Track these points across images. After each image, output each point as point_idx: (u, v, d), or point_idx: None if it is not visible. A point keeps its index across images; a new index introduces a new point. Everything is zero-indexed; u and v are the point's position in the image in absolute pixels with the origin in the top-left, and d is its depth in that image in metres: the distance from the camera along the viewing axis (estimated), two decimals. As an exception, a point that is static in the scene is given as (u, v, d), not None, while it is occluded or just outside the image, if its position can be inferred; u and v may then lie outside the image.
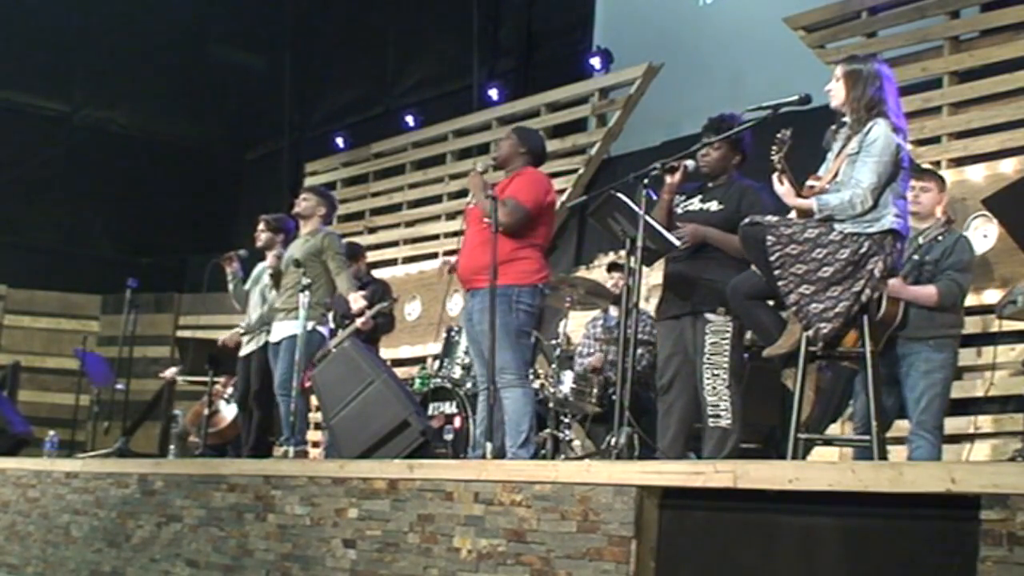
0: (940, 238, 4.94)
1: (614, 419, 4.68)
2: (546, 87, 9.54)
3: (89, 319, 12.07)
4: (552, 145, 9.15)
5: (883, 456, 4.16)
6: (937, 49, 6.87)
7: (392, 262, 10.26)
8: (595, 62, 9.20)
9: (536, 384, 6.84)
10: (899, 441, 5.06)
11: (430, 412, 6.96)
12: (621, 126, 8.91)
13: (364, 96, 12.28)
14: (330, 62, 12.67)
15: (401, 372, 8.07)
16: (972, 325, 6.26)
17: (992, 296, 6.04)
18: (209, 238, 8.48)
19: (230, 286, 7.59)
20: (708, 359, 4.87)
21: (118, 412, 9.12)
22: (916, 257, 4.87)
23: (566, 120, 9.33)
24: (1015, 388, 5.80)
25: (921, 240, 4.91)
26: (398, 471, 4.86)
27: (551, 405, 6.49)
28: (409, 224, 10.34)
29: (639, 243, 4.71)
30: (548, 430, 6.43)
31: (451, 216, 9.91)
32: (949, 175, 6.57)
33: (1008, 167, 6.31)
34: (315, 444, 8.79)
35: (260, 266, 7.39)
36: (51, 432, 8.71)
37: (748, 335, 5.19)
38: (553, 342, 6.75)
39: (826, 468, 3.50)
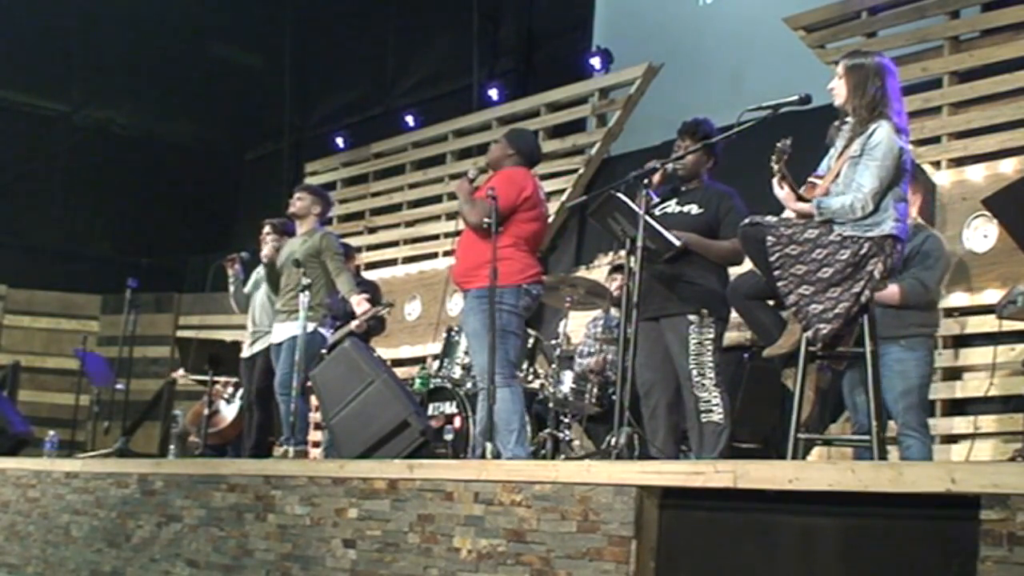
0: (910, 237, 4.94)
1: (614, 419, 4.69)
2: (546, 87, 9.53)
3: (89, 319, 12.06)
4: (552, 145, 9.16)
5: (883, 456, 4.16)
6: (937, 49, 6.87)
7: (392, 262, 10.26)
8: (595, 62, 9.19)
9: (536, 384, 6.85)
10: (892, 441, 5.05)
11: (430, 412, 6.96)
12: (621, 126, 8.90)
13: (364, 96, 12.28)
14: (330, 62, 12.67)
15: (401, 372, 8.07)
16: (972, 325, 6.28)
17: (992, 296, 6.04)
18: (209, 238, 8.47)
19: (231, 287, 7.59)
20: (694, 359, 4.90)
21: (118, 412, 9.12)
22: None
23: (566, 120, 9.32)
24: (1015, 388, 5.80)
25: None
26: (398, 471, 4.86)
27: (551, 405, 6.49)
28: (409, 224, 10.34)
29: (639, 243, 4.72)
30: (548, 430, 6.43)
31: (451, 216, 9.90)
32: (949, 175, 6.59)
33: (1008, 167, 6.31)
34: (315, 444, 8.79)
35: (261, 271, 7.36)
36: (51, 432, 8.71)
37: (748, 335, 5.20)
38: (553, 342, 6.75)
39: (826, 468, 3.50)
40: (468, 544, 4.38)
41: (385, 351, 8.83)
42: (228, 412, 8.32)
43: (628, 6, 9.62)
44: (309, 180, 11.00)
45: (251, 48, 13.08)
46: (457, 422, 6.84)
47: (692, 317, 4.92)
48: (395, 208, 10.54)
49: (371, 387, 5.64)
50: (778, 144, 4.24)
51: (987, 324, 5.98)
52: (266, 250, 7.01)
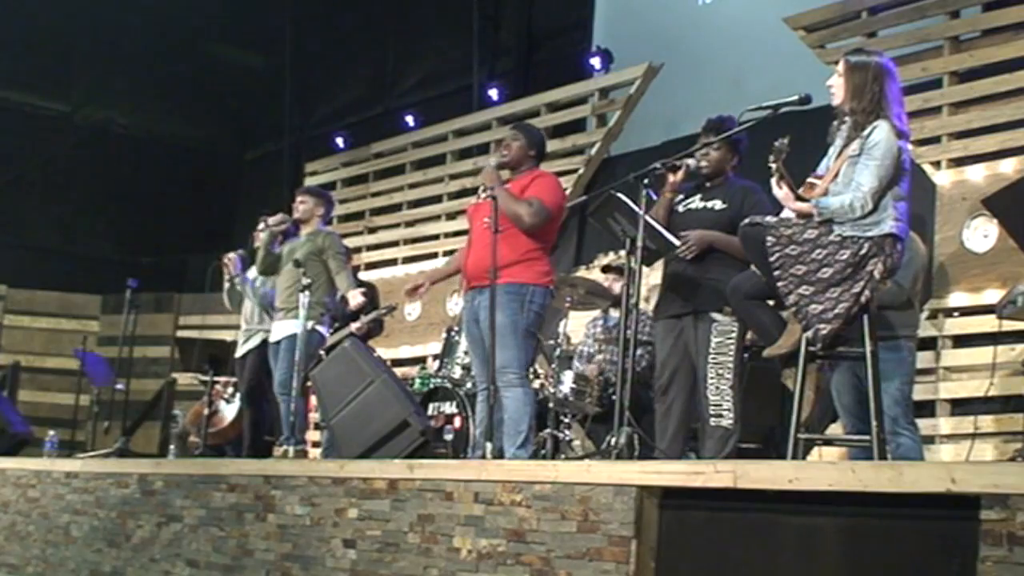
0: None
1: (614, 419, 4.68)
2: (546, 87, 9.53)
3: (89, 319, 12.06)
4: (552, 145, 9.14)
5: (883, 456, 4.16)
6: (937, 49, 6.87)
7: (392, 262, 10.26)
8: (595, 62, 9.19)
9: (536, 384, 6.85)
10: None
11: (430, 412, 6.96)
12: (621, 126, 8.90)
13: (364, 96, 12.27)
14: (330, 62, 12.66)
15: (401, 372, 8.07)
16: (972, 325, 6.28)
17: (992, 296, 6.04)
18: (209, 238, 8.47)
19: (225, 285, 7.59)
20: (713, 359, 4.87)
21: (118, 412, 9.12)
22: None
23: (566, 120, 9.32)
24: (1015, 388, 5.80)
25: None
26: (398, 471, 4.86)
27: (551, 405, 6.49)
28: (409, 224, 10.33)
29: (639, 243, 4.72)
30: (548, 430, 6.43)
31: (451, 216, 9.91)
32: (949, 175, 6.59)
33: (1008, 167, 6.30)
34: (315, 444, 8.79)
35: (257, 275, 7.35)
36: (51, 432, 8.70)
37: (748, 335, 5.19)
38: (553, 342, 6.75)
39: (826, 468, 3.50)
40: (468, 544, 4.38)
41: (385, 351, 8.83)
42: (228, 412, 8.32)
43: (628, 6, 9.62)
44: (309, 180, 11.01)
45: (251, 48, 13.07)
46: (457, 422, 6.84)
47: (716, 316, 4.89)
48: (395, 208, 10.54)
49: (371, 387, 5.65)
50: (776, 143, 4.24)
51: (987, 324, 5.97)
52: (272, 220, 6.87)
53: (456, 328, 7.41)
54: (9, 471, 7.68)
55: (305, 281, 6.33)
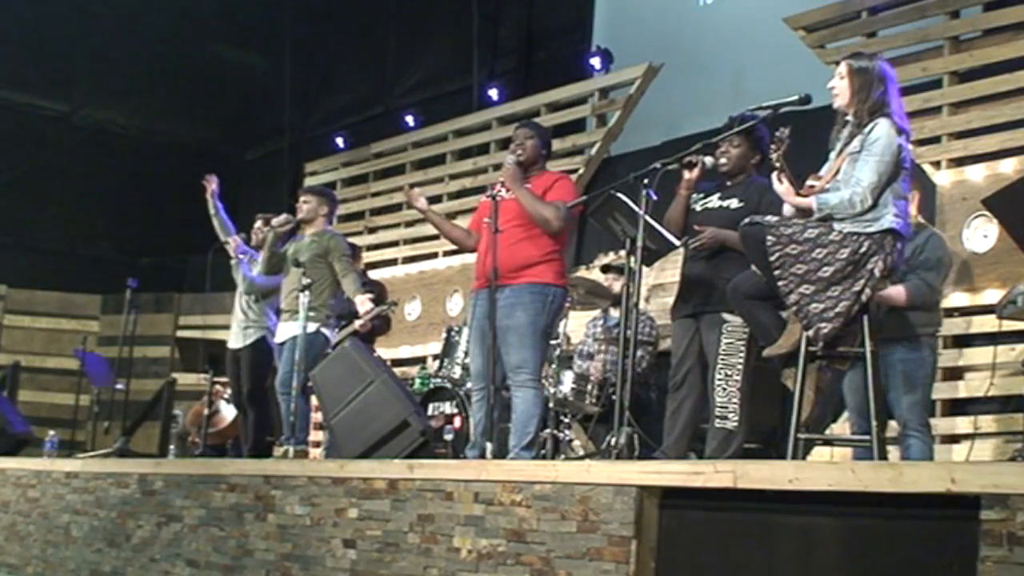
0: (912, 236, 4.95)
1: (614, 419, 4.68)
2: (546, 87, 9.53)
3: (89, 319, 12.07)
4: (552, 145, 9.15)
5: (883, 456, 4.16)
6: (937, 49, 6.87)
7: (392, 262, 10.26)
8: (595, 62, 9.19)
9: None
10: (894, 441, 5.05)
11: (430, 412, 6.96)
12: (621, 126, 8.90)
13: (364, 96, 12.28)
14: (330, 62, 12.67)
15: (401, 372, 8.07)
16: (972, 325, 6.28)
17: (992, 296, 6.04)
18: (209, 238, 8.46)
19: (232, 262, 7.62)
20: (722, 360, 4.86)
21: (118, 412, 9.12)
22: None
23: (566, 120, 9.32)
24: (1015, 388, 5.80)
25: None
26: (398, 471, 4.86)
27: (551, 405, 6.49)
28: (409, 224, 10.33)
29: (639, 243, 4.71)
30: (548, 430, 6.43)
31: (451, 216, 9.89)
32: (949, 175, 6.59)
33: (1008, 167, 6.30)
34: (315, 444, 8.79)
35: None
36: (51, 432, 8.70)
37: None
38: (553, 342, 6.75)
39: (826, 468, 3.50)
40: (468, 544, 4.38)
41: (385, 351, 8.83)
42: (228, 412, 8.32)
43: (628, 6, 9.62)
44: (309, 180, 11.01)
45: (251, 48, 13.08)
46: (457, 422, 6.84)
47: (727, 316, 4.88)
48: (395, 208, 10.53)
49: (371, 387, 5.64)
50: (776, 133, 4.24)
51: (987, 324, 5.98)
52: (276, 221, 6.89)
53: (456, 328, 7.41)
54: (9, 471, 7.68)
55: (305, 282, 6.31)
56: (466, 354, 6.92)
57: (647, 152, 7.96)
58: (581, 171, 8.97)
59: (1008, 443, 5.86)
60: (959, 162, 6.60)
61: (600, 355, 6.79)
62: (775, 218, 4.34)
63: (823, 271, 4.16)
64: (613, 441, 4.61)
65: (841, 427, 5.92)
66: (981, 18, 6.74)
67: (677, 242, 4.85)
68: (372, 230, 10.65)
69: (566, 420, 6.68)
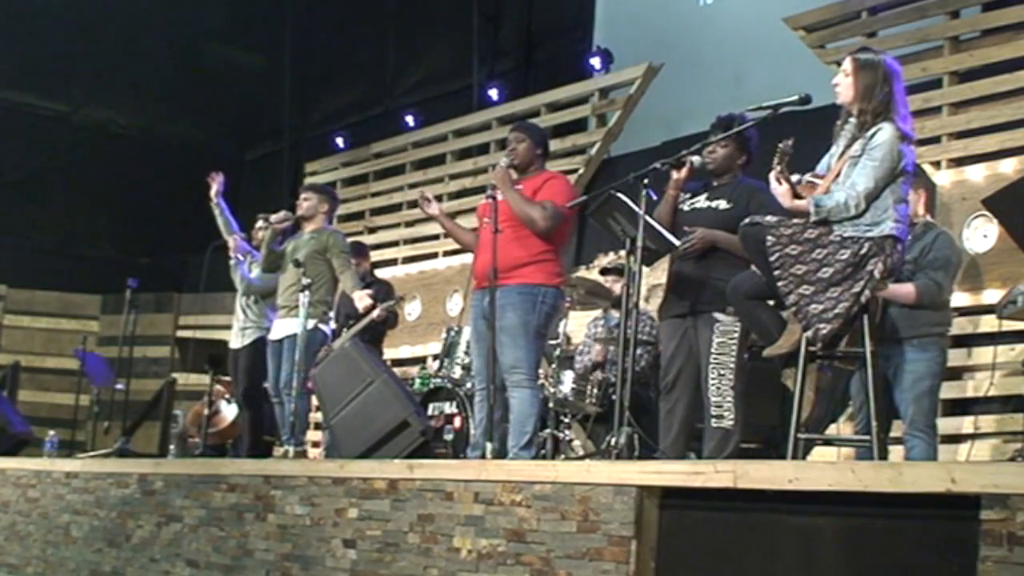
0: (920, 235, 4.95)
1: (614, 419, 4.68)
2: (546, 87, 9.53)
3: (89, 319, 12.07)
4: (552, 145, 9.09)
5: (883, 456, 4.16)
6: (937, 49, 6.87)
7: (392, 262, 10.25)
8: (595, 62, 9.19)
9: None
10: (899, 441, 5.05)
11: (430, 412, 6.96)
12: (621, 126, 8.90)
13: (364, 96, 12.28)
14: (330, 62, 12.67)
15: (401, 372, 8.07)
16: (972, 325, 6.28)
17: (992, 296, 6.04)
18: (209, 238, 8.46)
19: (231, 261, 7.63)
20: (714, 359, 4.87)
21: (118, 412, 9.12)
22: None
23: (566, 120, 9.32)
24: (1015, 388, 5.80)
25: None
26: (398, 471, 4.86)
27: (551, 405, 6.49)
28: (409, 224, 10.33)
29: (639, 243, 4.71)
30: (548, 430, 6.43)
31: (451, 216, 9.90)
32: (949, 175, 6.59)
33: (1008, 167, 6.30)
34: (315, 444, 8.79)
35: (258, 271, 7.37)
36: (51, 432, 8.71)
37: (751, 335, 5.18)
38: (553, 342, 6.75)
39: (826, 468, 3.50)
40: (468, 544, 4.38)
41: (385, 351, 8.83)
42: (228, 412, 8.32)
43: (628, 6, 9.62)
44: (309, 180, 11.00)
45: (251, 48, 13.07)
46: (457, 422, 6.84)
47: (718, 315, 4.88)
48: (395, 208, 10.54)
49: (371, 387, 5.64)
50: (780, 145, 4.23)
51: (987, 324, 5.98)
52: (275, 217, 6.89)
53: (456, 328, 7.41)
54: (9, 471, 7.68)
55: (305, 281, 6.31)
56: (466, 354, 6.93)
57: (647, 152, 7.95)
58: (581, 171, 8.97)
59: (1008, 443, 5.86)
60: (959, 162, 6.60)
61: (601, 347, 6.78)
62: (775, 218, 4.34)
63: (823, 272, 4.16)
64: (613, 441, 4.61)
65: (839, 428, 5.92)
66: (981, 18, 6.74)
67: (677, 242, 4.85)
68: (372, 230, 10.65)
69: (566, 420, 6.68)
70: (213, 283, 9.31)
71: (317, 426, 8.48)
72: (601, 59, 9.17)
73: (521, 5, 10.92)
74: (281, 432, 6.71)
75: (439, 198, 10.02)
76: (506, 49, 10.99)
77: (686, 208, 5.09)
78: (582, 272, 8.34)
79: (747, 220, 4.39)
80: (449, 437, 6.72)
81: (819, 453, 5.99)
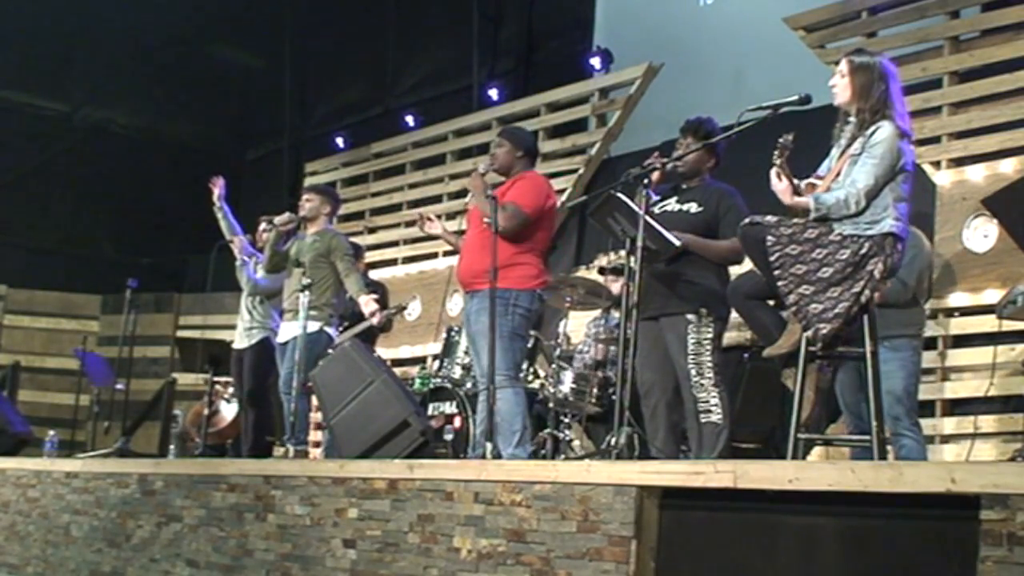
0: None
1: (614, 419, 4.68)
2: (546, 87, 9.53)
3: (89, 319, 12.07)
4: (552, 145, 9.16)
5: (883, 456, 4.16)
6: (937, 49, 6.87)
7: (392, 262, 10.25)
8: (595, 62, 9.19)
9: (536, 384, 6.85)
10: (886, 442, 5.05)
11: (430, 412, 6.96)
12: (621, 126, 8.90)
13: (364, 96, 12.27)
14: (330, 62, 12.66)
15: (401, 372, 8.06)
16: (972, 325, 6.28)
17: (992, 296, 6.04)
18: (209, 238, 8.46)
19: (237, 263, 7.64)
20: (692, 359, 4.88)
21: (118, 412, 9.12)
22: None
23: (566, 120, 9.32)
24: (1015, 388, 5.80)
25: None
26: (398, 471, 4.86)
27: (551, 405, 6.49)
28: (409, 224, 10.31)
29: (639, 243, 4.72)
30: (548, 430, 6.43)
31: (451, 216, 9.89)
32: (949, 175, 6.59)
33: (1008, 167, 6.31)
34: (315, 444, 8.79)
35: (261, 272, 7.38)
36: (51, 432, 8.71)
37: (748, 335, 5.19)
38: (553, 342, 6.75)
39: (826, 468, 3.50)
40: (468, 544, 4.38)
41: (385, 351, 8.83)
42: (228, 412, 8.32)
43: (628, 6, 9.62)
44: (309, 180, 11.01)
45: (251, 49, 13.07)
46: (457, 422, 6.84)
47: (691, 316, 4.91)
48: (395, 208, 10.53)
49: (371, 387, 5.64)
50: (781, 139, 4.24)
51: (987, 324, 5.98)
52: (279, 219, 6.89)
53: (456, 328, 7.42)
54: (9, 471, 7.68)
55: (305, 282, 6.32)
56: (466, 354, 6.93)
57: (647, 152, 7.89)
58: (581, 171, 8.97)
59: (1008, 443, 5.86)
60: (959, 162, 6.60)
61: (601, 346, 6.78)
62: (775, 218, 4.34)
63: (823, 272, 4.16)
64: (613, 441, 4.61)
65: (841, 427, 5.91)
66: (981, 18, 6.74)
67: (678, 242, 4.86)
68: (372, 230, 10.64)
69: (566, 420, 6.68)
70: (217, 283, 9.33)
71: (317, 426, 8.48)
72: (601, 59, 9.17)
73: (521, 5, 10.92)
74: (283, 432, 6.72)
75: (439, 198, 10.06)
76: (506, 49, 10.99)
77: (656, 211, 5.10)
78: (582, 272, 8.34)
79: (747, 220, 4.39)
80: (449, 437, 6.72)
81: (819, 453, 5.99)
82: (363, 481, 4.98)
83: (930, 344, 6.30)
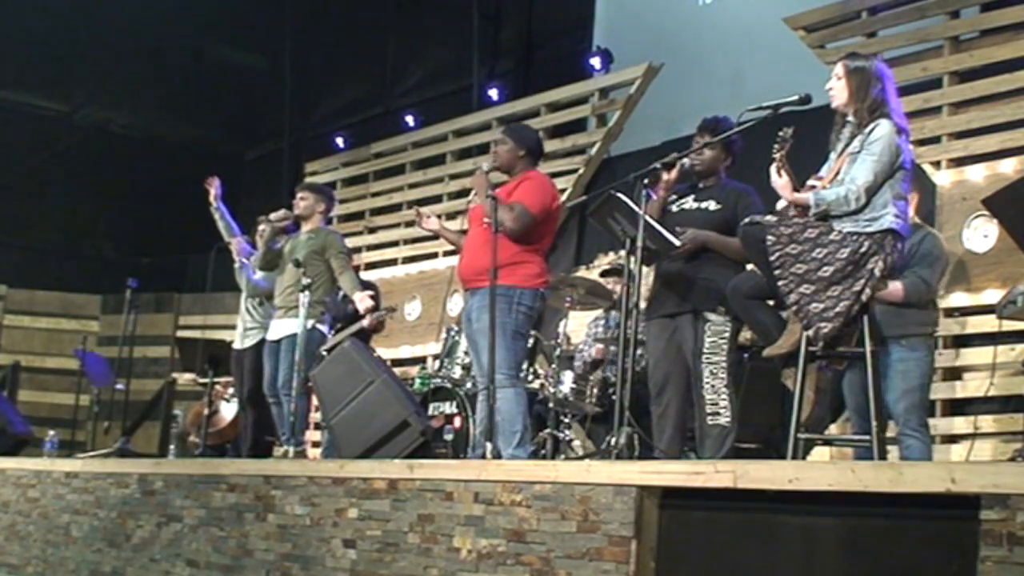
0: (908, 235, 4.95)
1: (614, 419, 4.68)
2: (546, 87, 9.53)
3: (89, 319, 12.07)
4: (552, 145, 9.15)
5: (883, 456, 4.16)
6: (937, 49, 6.87)
7: (392, 262, 10.26)
8: (595, 62, 9.20)
9: (536, 384, 6.85)
10: (893, 441, 5.05)
11: (430, 412, 6.96)
12: (621, 126, 8.90)
13: (364, 96, 12.28)
14: (330, 62, 12.66)
15: (401, 372, 8.06)
16: (972, 325, 6.28)
17: (992, 296, 6.04)
18: (209, 238, 8.46)
19: (235, 265, 7.63)
20: (707, 359, 4.87)
21: (118, 412, 9.12)
22: None
23: (566, 120, 9.32)
24: (1015, 388, 5.81)
25: None
26: (398, 471, 4.86)
27: (551, 405, 6.49)
28: (409, 224, 10.31)
29: (639, 243, 4.72)
30: (548, 430, 6.43)
31: (451, 216, 9.90)
32: (949, 175, 6.60)
33: (1008, 167, 6.31)
34: (315, 444, 8.79)
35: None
36: (51, 432, 8.71)
37: (748, 335, 5.18)
38: (553, 342, 6.75)
39: (826, 468, 3.50)
40: (468, 544, 4.38)
41: (385, 351, 8.83)
42: (228, 412, 8.32)
43: (628, 6, 9.62)
44: (309, 180, 11.00)
45: (251, 49, 13.07)
46: (457, 422, 6.84)
47: (709, 315, 4.90)
48: (395, 208, 10.53)
49: (371, 387, 5.64)
50: (780, 132, 4.25)
51: (987, 324, 5.98)
52: (274, 216, 6.88)
53: (456, 328, 7.41)
54: (9, 471, 7.68)
55: (305, 281, 6.32)
56: (466, 354, 6.93)
57: (647, 152, 7.95)
58: (581, 171, 8.97)
59: (1008, 443, 5.86)
60: (959, 162, 6.60)
61: (601, 345, 6.78)
62: (775, 217, 4.35)
63: (823, 271, 4.16)
64: (613, 441, 4.61)
65: (841, 427, 5.92)
66: (981, 18, 6.74)
67: (678, 242, 4.86)
68: (372, 230, 10.65)
69: (566, 420, 6.67)
70: (217, 283, 9.32)
71: (317, 426, 8.48)
72: (601, 59, 9.17)
73: (521, 5, 10.92)
74: (280, 432, 6.71)
75: (439, 198, 10.06)
76: (506, 49, 10.99)
77: (674, 209, 5.11)
78: (582, 272, 8.34)
79: (747, 220, 4.40)
80: (449, 437, 6.72)
81: (819, 453, 5.99)
82: (363, 481, 4.98)
83: (930, 344, 6.30)
